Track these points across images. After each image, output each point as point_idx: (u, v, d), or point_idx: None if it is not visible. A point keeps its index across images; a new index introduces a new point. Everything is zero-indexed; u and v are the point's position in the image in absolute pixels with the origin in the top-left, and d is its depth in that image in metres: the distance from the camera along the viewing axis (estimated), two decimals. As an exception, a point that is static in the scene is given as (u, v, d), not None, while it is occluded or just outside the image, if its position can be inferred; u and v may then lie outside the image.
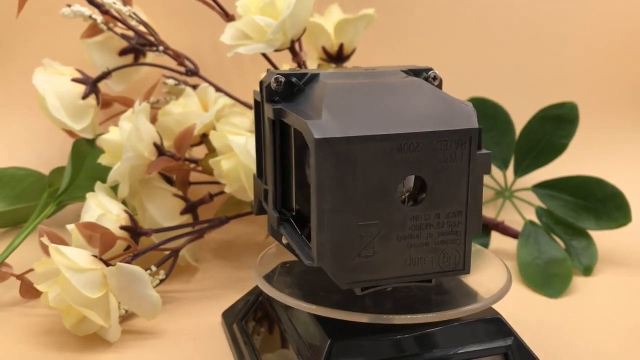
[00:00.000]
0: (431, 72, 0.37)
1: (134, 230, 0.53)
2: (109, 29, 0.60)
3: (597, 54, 0.80)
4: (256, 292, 0.47)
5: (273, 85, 0.36)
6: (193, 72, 0.61)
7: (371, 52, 0.70)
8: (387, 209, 0.32)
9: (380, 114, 0.32)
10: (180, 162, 0.55)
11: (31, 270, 0.49)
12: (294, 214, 0.38)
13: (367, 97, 0.33)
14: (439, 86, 0.36)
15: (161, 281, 0.52)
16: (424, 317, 0.35)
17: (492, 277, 0.40)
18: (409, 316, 0.35)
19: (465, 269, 0.34)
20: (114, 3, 0.58)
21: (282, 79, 0.36)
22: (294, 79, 0.36)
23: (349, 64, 0.65)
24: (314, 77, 0.36)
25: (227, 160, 0.53)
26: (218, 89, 0.61)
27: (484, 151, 0.34)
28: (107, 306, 0.45)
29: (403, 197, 0.33)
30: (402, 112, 0.32)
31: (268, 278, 0.40)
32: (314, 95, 0.35)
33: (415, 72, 0.37)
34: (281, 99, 0.36)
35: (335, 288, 0.39)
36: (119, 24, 0.60)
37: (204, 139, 0.61)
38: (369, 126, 0.31)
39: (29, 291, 0.51)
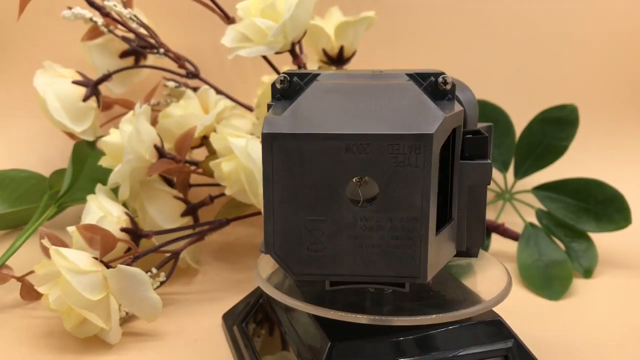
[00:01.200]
0: (442, 76, 0.35)
1: (134, 233, 0.53)
2: (110, 31, 0.60)
3: (598, 56, 0.80)
4: (257, 294, 0.47)
5: (277, 84, 0.36)
6: (194, 75, 0.61)
7: (372, 55, 0.70)
8: (335, 206, 0.32)
9: (343, 114, 0.32)
10: (180, 165, 0.55)
11: (32, 272, 0.49)
12: None
13: (341, 98, 0.33)
14: (451, 91, 0.35)
15: (162, 283, 0.52)
16: (423, 319, 0.35)
17: (493, 279, 0.41)
18: (408, 318, 0.35)
19: (421, 278, 0.32)
20: (115, 5, 0.58)
21: (286, 78, 0.36)
22: (295, 79, 0.36)
23: (349, 67, 0.65)
24: (315, 76, 0.36)
25: (227, 163, 0.53)
26: (219, 92, 0.61)
27: (481, 161, 0.34)
28: (107, 308, 0.45)
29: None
30: (365, 114, 0.32)
31: (269, 279, 0.40)
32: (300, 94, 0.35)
33: (422, 77, 0.36)
34: (282, 97, 0.36)
35: (336, 291, 0.39)
36: (120, 26, 0.60)
37: (204, 141, 0.61)
38: (321, 125, 0.31)
39: (30, 293, 0.51)
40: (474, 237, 0.37)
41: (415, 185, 0.31)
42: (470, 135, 0.36)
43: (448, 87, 0.35)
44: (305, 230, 0.33)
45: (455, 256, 0.39)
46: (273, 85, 0.36)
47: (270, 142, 0.31)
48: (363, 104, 0.33)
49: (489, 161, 0.34)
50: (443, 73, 0.35)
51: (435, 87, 0.35)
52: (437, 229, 0.34)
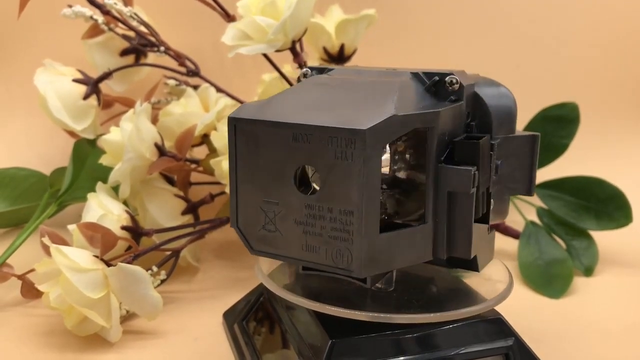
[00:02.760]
0: (449, 77, 0.35)
1: (135, 231, 0.53)
2: (110, 29, 0.60)
3: (598, 54, 0.80)
4: (257, 292, 0.47)
5: (301, 77, 0.40)
6: (194, 73, 0.61)
7: (372, 53, 0.70)
8: (285, 191, 0.33)
9: (304, 105, 0.34)
10: (181, 163, 0.55)
11: (32, 270, 0.49)
12: None
13: (318, 91, 0.35)
14: (457, 92, 0.35)
15: (162, 281, 0.52)
16: (423, 317, 0.36)
17: (494, 278, 0.41)
18: (408, 316, 0.35)
19: (355, 272, 0.32)
20: (115, 4, 0.58)
21: (308, 72, 0.40)
22: (314, 72, 0.39)
23: (349, 65, 0.65)
24: (329, 70, 0.39)
25: (227, 161, 0.53)
26: (219, 90, 0.61)
27: (463, 167, 0.33)
28: (108, 306, 0.45)
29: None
30: (323, 106, 0.33)
31: (271, 275, 0.41)
32: None
33: (428, 76, 0.36)
34: None
35: (337, 287, 0.39)
36: (120, 24, 0.60)
37: (205, 139, 0.61)
38: (278, 113, 0.33)
39: (30, 291, 0.51)
40: (459, 247, 0.35)
41: (351, 179, 0.31)
42: (461, 139, 0.35)
43: (455, 87, 0.35)
44: (261, 211, 0.35)
45: (454, 267, 0.40)
46: (298, 79, 0.40)
47: (233, 125, 0.34)
48: (330, 97, 0.35)
49: (470, 168, 0.33)
50: (452, 74, 0.35)
51: (442, 87, 0.35)
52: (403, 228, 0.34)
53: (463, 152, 0.34)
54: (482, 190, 0.36)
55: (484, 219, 0.37)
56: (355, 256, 0.32)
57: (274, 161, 0.33)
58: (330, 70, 0.39)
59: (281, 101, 0.35)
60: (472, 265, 0.38)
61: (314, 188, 0.35)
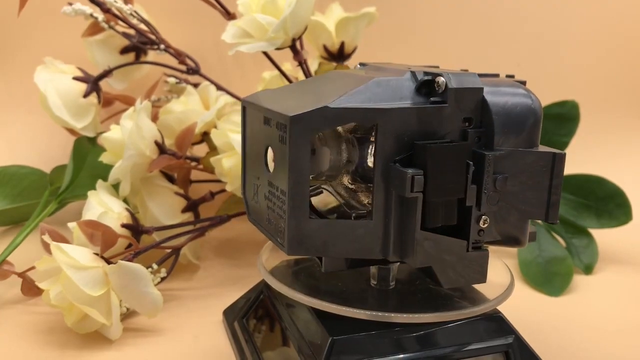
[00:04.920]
0: (438, 77, 0.34)
1: (135, 229, 0.53)
2: (111, 27, 0.60)
3: (598, 52, 0.80)
4: (257, 289, 0.47)
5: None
6: (194, 71, 0.61)
7: (372, 51, 0.70)
8: (260, 168, 0.37)
9: (294, 93, 0.37)
10: (181, 161, 0.55)
11: (33, 268, 0.49)
12: None
13: (318, 82, 0.38)
14: (443, 94, 0.34)
15: (162, 279, 0.52)
16: (424, 317, 0.36)
17: (495, 278, 0.41)
18: (408, 315, 0.35)
19: (285, 250, 0.34)
20: (115, 1, 0.58)
21: (356, 67, 0.42)
22: (359, 67, 0.42)
23: (350, 63, 0.65)
24: (364, 66, 0.42)
25: (228, 159, 0.53)
26: (219, 88, 0.61)
27: (405, 169, 0.32)
28: (108, 304, 0.45)
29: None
30: (300, 95, 0.36)
31: (272, 272, 0.41)
32: None
33: (419, 75, 0.35)
34: None
35: (338, 285, 0.39)
36: (120, 22, 0.60)
37: (205, 137, 0.61)
38: (267, 99, 0.36)
39: (31, 289, 0.51)
40: (407, 253, 0.34)
41: (284, 162, 0.33)
42: (423, 143, 0.33)
43: (439, 90, 0.34)
44: (252, 184, 0.39)
45: (425, 274, 0.39)
46: None
47: (243, 106, 0.39)
48: (315, 88, 0.37)
49: (407, 170, 0.32)
50: (441, 75, 0.34)
51: (433, 86, 0.34)
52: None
53: (416, 155, 0.33)
54: (441, 200, 0.33)
55: (461, 234, 0.35)
56: (286, 235, 0.34)
57: (256, 141, 0.37)
58: (364, 65, 0.41)
59: (283, 89, 0.38)
60: (435, 278, 0.36)
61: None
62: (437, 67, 0.39)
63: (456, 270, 0.35)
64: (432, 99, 0.34)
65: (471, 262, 0.35)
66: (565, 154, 0.35)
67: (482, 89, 0.34)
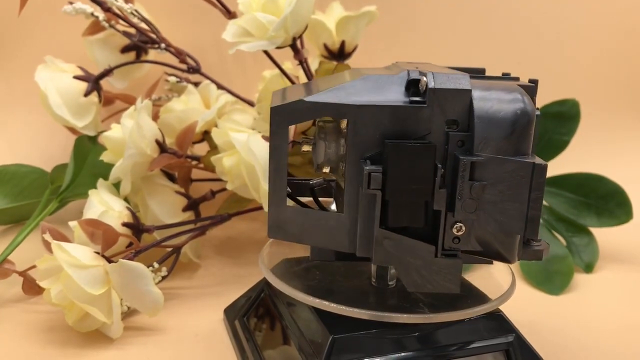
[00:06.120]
0: (421, 77, 0.33)
1: (136, 227, 0.53)
2: (111, 26, 0.60)
3: (599, 51, 0.80)
4: (258, 288, 0.47)
5: None
6: (195, 70, 0.61)
7: (373, 50, 0.70)
8: None
9: (305, 88, 0.37)
10: (182, 159, 0.55)
11: (34, 267, 0.49)
12: None
13: (330, 78, 0.38)
14: (422, 94, 0.33)
15: (163, 278, 0.52)
16: (425, 318, 0.36)
17: (496, 277, 0.41)
18: (409, 315, 0.35)
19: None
20: (116, 0, 0.58)
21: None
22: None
23: (350, 62, 0.65)
24: (394, 64, 0.41)
25: (228, 158, 0.53)
26: (220, 86, 0.61)
27: (367, 166, 0.32)
28: (109, 303, 0.45)
29: None
30: (308, 89, 0.36)
31: (274, 271, 0.41)
32: None
33: (408, 75, 0.35)
34: None
35: (338, 285, 0.39)
36: (121, 21, 0.60)
37: (205, 136, 0.61)
38: (289, 92, 0.37)
39: (32, 288, 0.51)
40: (367, 246, 0.34)
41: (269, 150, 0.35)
42: (393, 142, 0.33)
43: (421, 90, 0.33)
44: None
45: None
46: None
47: None
48: (322, 84, 0.37)
49: (367, 167, 0.32)
50: (422, 77, 0.33)
51: (417, 87, 0.34)
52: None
53: (383, 153, 0.33)
54: (402, 200, 0.33)
55: (428, 238, 0.34)
56: (267, 220, 0.36)
57: None
58: (394, 64, 0.40)
59: (306, 83, 0.40)
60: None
61: None
62: (484, 69, 0.38)
63: (421, 275, 0.34)
64: (411, 98, 0.33)
65: (441, 268, 0.34)
66: (546, 165, 0.32)
67: (468, 91, 0.33)
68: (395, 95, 0.34)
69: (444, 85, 0.33)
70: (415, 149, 0.32)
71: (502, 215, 0.33)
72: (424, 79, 0.33)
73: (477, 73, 0.38)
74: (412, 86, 0.34)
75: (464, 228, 0.33)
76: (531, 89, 0.35)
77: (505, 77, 0.37)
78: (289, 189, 0.37)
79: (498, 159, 0.32)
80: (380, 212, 0.33)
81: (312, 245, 0.36)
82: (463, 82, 0.33)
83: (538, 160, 0.33)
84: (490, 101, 0.33)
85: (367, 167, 0.32)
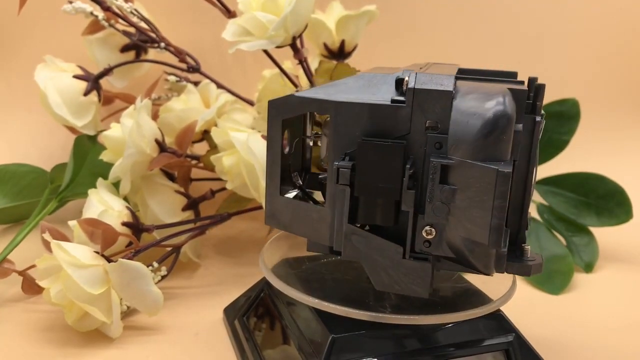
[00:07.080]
0: (405, 77, 0.33)
1: (135, 227, 0.53)
2: (111, 25, 0.60)
3: (599, 50, 0.80)
4: (258, 288, 0.47)
5: None
6: (194, 69, 0.61)
7: (372, 49, 0.70)
8: None
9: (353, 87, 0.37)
10: (181, 159, 0.55)
11: (33, 266, 0.49)
12: None
13: (369, 77, 0.36)
14: (405, 94, 0.32)
15: (163, 277, 0.52)
16: (425, 319, 0.35)
17: (497, 277, 0.40)
18: (409, 317, 0.35)
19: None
20: (116, 0, 0.58)
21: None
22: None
23: (350, 61, 0.65)
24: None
25: (228, 157, 0.53)
26: (219, 86, 0.61)
27: (337, 162, 0.33)
28: (109, 302, 0.45)
29: None
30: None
31: (274, 270, 0.41)
32: None
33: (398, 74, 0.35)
34: None
35: (339, 284, 0.39)
36: (121, 20, 0.60)
37: (205, 135, 0.61)
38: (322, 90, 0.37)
39: (31, 287, 0.51)
40: (339, 240, 0.34)
41: None
42: (364, 140, 0.33)
43: (404, 89, 0.33)
44: None
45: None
46: None
47: None
48: (368, 84, 0.36)
49: (336, 163, 0.33)
50: (406, 76, 0.33)
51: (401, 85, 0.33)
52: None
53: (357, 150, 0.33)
54: (369, 197, 0.33)
55: (401, 239, 0.33)
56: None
57: None
58: (414, 65, 0.41)
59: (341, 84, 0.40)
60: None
61: None
62: (516, 73, 0.38)
63: (389, 275, 0.34)
64: (393, 97, 0.33)
65: (409, 270, 0.33)
66: (509, 174, 0.30)
67: (449, 92, 0.32)
68: (384, 94, 0.33)
69: (425, 85, 0.32)
70: (384, 148, 0.32)
71: (469, 223, 0.31)
72: (407, 78, 0.32)
73: (507, 77, 0.37)
74: (399, 86, 0.33)
75: (434, 232, 0.33)
76: (522, 93, 0.33)
77: (505, 77, 0.37)
78: (300, 181, 0.40)
79: (467, 164, 0.31)
80: (351, 208, 0.33)
81: (299, 235, 0.37)
82: (445, 82, 0.32)
83: (502, 167, 0.30)
84: (467, 102, 0.32)
85: (337, 163, 0.33)
